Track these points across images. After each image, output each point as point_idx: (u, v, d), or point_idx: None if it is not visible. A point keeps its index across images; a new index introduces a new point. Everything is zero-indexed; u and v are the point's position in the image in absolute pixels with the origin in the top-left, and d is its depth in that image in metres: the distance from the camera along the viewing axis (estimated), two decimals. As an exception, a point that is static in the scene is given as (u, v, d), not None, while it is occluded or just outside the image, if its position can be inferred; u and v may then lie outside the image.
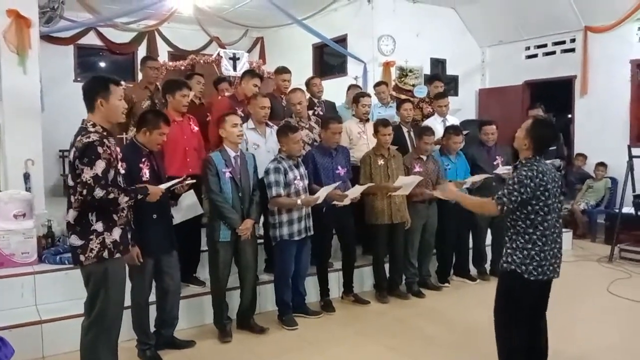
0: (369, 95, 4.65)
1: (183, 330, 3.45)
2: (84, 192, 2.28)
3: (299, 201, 3.44)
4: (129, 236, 2.56)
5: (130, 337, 3.08)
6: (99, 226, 2.37)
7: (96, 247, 2.36)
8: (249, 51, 8.71)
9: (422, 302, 4.18)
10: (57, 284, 3.47)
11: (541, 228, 2.35)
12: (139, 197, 2.55)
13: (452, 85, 7.80)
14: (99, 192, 2.28)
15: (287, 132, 3.53)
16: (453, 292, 4.43)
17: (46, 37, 6.61)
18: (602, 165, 6.61)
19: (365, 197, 4.00)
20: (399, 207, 4.04)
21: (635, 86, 6.54)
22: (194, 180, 3.18)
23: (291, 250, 3.54)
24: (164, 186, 2.84)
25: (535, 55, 7.68)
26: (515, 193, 2.29)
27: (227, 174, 3.28)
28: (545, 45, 7.54)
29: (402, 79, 7.32)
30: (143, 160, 2.90)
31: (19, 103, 4.10)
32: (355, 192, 3.77)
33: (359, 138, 4.39)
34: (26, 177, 4.09)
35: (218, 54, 6.46)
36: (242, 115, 3.79)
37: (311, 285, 3.94)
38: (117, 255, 2.43)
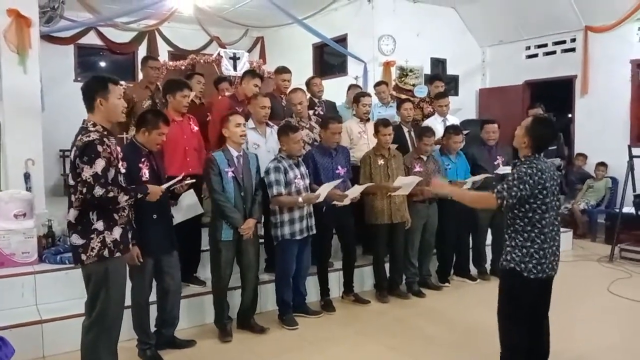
0: (369, 95, 4.65)
1: (183, 330, 3.45)
2: (84, 190, 2.29)
3: (300, 199, 3.44)
4: (130, 235, 2.56)
5: (130, 337, 3.08)
6: (99, 225, 2.38)
7: (97, 245, 2.37)
8: (249, 51, 8.71)
9: (423, 301, 4.18)
10: (58, 283, 3.47)
11: (539, 226, 2.35)
12: (139, 196, 2.55)
13: (452, 85, 7.80)
14: (98, 191, 2.29)
15: (288, 131, 3.53)
16: (453, 292, 4.43)
17: (46, 37, 6.61)
18: (602, 165, 6.61)
19: (365, 197, 4.00)
20: (398, 207, 4.04)
21: (635, 86, 6.54)
22: (194, 180, 3.18)
23: (293, 249, 3.54)
24: (164, 186, 2.84)
25: (535, 55, 7.67)
26: (515, 189, 2.30)
27: (230, 174, 3.29)
28: (545, 45, 7.53)
29: (403, 79, 7.32)
30: (142, 160, 2.90)
31: (20, 103, 4.10)
32: (354, 192, 3.77)
33: (359, 138, 4.39)
34: (26, 176, 4.10)
35: (218, 54, 6.46)
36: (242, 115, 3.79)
37: (311, 285, 3.94)
38: (118, 254, 2.43)
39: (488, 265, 4.82)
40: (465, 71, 8.12)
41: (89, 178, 2.28)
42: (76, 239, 2.39)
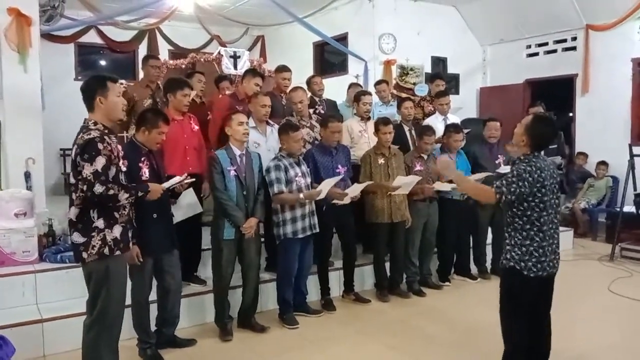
0: (370, 94, 4.64)
1: (184, 329, 3.45)
2: (85, 188, 2.30)
3: (301, 195, 3.44)
4: (130, 234, 2.56)
5: (130, 336, 3.08)
6: (100, 223, 2.38)
7: (97, 243, 2.38)
8: (250, 49, 8.69)
9: (423, 301, 4.18)
10: (58, 282, 3.47)
11: (538, 224, 2.35)
12: (140, 194, 2.55)
13: (453, 83, 7.79)
14: (98, 188, 2.29)
15: (288, 130, 3.53)
16: (454, 291, 4.43)
17: (47, 36, 6.60)
18: (603, 164, 6.60)
19: (365, 195, 3.99)
20: (399, 206, 4.04)
21: (636, 85, 6.52)
22: (193, 179, 3.18)
23: (295, 248, 3.54)
24: (165, 185, 2.84)
25: (536, 54, 7.66)
26: (514, 185, 2.29)
27: (232, 172, 3.29)
28: (546, 44, 7.52)
29: (403, 78, 7.31)
30: (142, 159, 2.90)
31: (20, 101, 4.10)
32: (354, 190, 3.76)
33: (360, 136, 4.39)
34: (27, 175, 4.09)
35: (219, 52, 6.44)
36: (242, 114, 3.79)
37: (312, 284, 3.94)
38: (118, 252, 2.43)
39: (489, 264, 4.82)
40: (465, 70, 8.11)
41: (89, 175, 2.29)
42: (77, 237, 2.39)
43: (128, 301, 2.73)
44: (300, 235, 3.52)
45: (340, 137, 4.12)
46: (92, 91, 2.40)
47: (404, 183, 3.89)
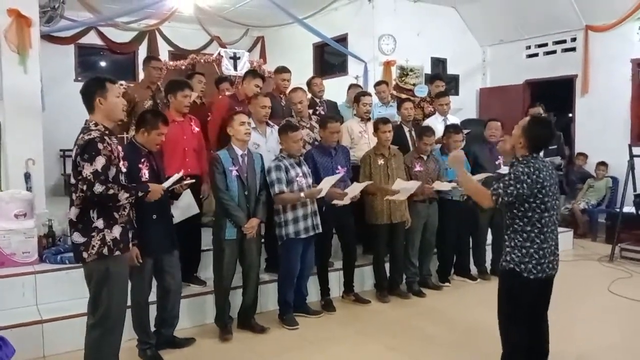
0: (369, 95, 4.65)
1: (185, 330, 3.45)
2: (84, 187, 2.31)
3: (302, 194, 3.44)
4: (130, 235, 2.56)
5: (130, 337, 3.08)
6: (99, 223, 2.39)
7: (97, 243, 2.38)
8: (250, 50, 8.70)
9: (423, 301, 4.18)
10: (58, 283, 3.47)
11: (539, 225, 2.35)
12: (140, 194, 2.55)
13: (452, 84, 7.79)
14: (98, 188, 2.30)
15: (288, 130, 3.54)
16: (454, 292, 4.43)
17: (47, 37, 6.60)
18: (602, 164, 6.61)
19: (365, 196, 4.00)
20: (398, 206, 4.04)
21: (636, 85, 6.53)
22: (193, 180, 3.18)
23: (297, 249, 3.54)
24: (165, 185, 2.84)
25: (536, 55, 7.67)
26: (512, 188, 2.29)
27: (234, 172, 3.30)
28: (546, 45, 7.52)
29: (403, 79, 7.32)
30: (142, 160, 2.91)
31: (20, 102, 4.10)
32: (354, 190, 3.76)
33: (360, 137, 4.39)
34: (27, 176, 4.09)
35: (219, 54, 6.45)
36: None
37: (312, 285, 3.94)
38: (117, 252, 2.44)
39: (488, 265, 4.82)
40: (465, 71, 8.11)
41: (89, 175, 2.30)
42: (77, 237, 2.40)
43: (128, 302, 2.73)
44: (303, 236, 3.52)
45: (340, 138, 4.12)
46: (91, 93, 2.42)
47: (403, 188, 3.87)
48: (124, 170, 2.53)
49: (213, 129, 3.93)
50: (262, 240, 3.82)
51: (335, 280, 4.15)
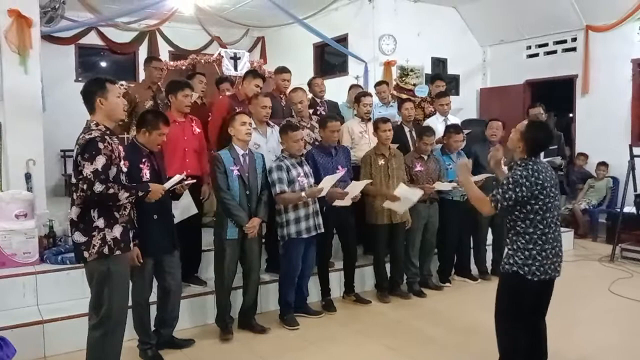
0: (370, 95, 4.64)
1: (185, 330, 3.46)
2: (85, 187, 2.31)
3: (303, 194, 3.45)
4: (131, 235, 2.56)
5: (131, 337, 3.07)
6: (100, 222, 2.40)
7: (97, 243, 2.39)
8: (250, 51, 8.70)
9: (424, 301, 4.18)
10: (59, 284, 3.47)
11: (541, 227, 2.35)
12: (140, 194, 2.55)
13: (453, 84, 7.79)
14: (98, 187, 2.31)
15: (288, 130, 3.54)
16: (454, 292, 4.43)
17: (47, 37, 6.61)
18: (603, 164, 6.60)
19: (366, 197, 3.99)
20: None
21: (636, 85, 6.52)
22: (194, 180, 3.19)
23: (299, 249, 3.54)
24: (166, 185, 2.84)
25: (536, 55, 7.66)
26: (510, 192, 2.30)
27: (235, 172, 3.30)
28: (546, 45, 7.52)
29: (403, 79, 7.31)
30: (143, 160, 2.91)
31: (20, 103, 4.09)
32: (354, 189, 3.76)
33: (360, 137, 4.39)
34: (27, 177, 4.09)
35: (219, 54, 6.45)
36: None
37: (312, 285, 3.94)
38: (118, 252, 2.44)
39: (489, 265, 4.81)
40: (466, 71, 8.11)
41: (89, 174, 2.31)
42: (78, 237, 2.41)
43: (130, 302, 2.73)
44: (305, 236, 3.52)
45: (340, 138, 4.12)
46: (91, 93, 2.43)
47: (404, 196, 3.85)
48: (124, 170, 2.54)
49: (213, 129, 3.93)
50: (263, 240, 3.83)
51: (336, 280, 4.15)
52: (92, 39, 7.96)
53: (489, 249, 4.84)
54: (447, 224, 4.41)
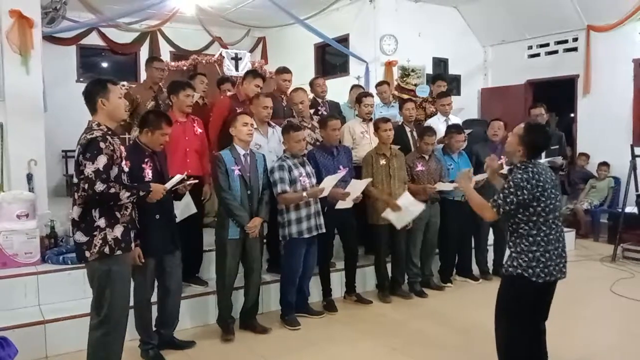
0: (371, 95, 4.64)
1: (186, 330, 3.46)
2: (86, 186, 2.32)
3: (304, 193, 3.44)
4: (132, 235, 2.56)
5: (132, 337, 3.08)
6: (101, 222, 2.40)
7: (98, 242, 2.39)
8: (251, 51, 8.70)
9: (425, 302, 4.17)
10: (60, 284, 3.47)
11: (544, 229, 2.35)
12: (141, 193, 2.56)
13: (454, 84, 7.78)
14: (99, 186, 2.31)
15: (290, 130, 3.55)
16: (456, 292, 4.43)
17: (49, 38, 6.61)
18: (604, 164, 6.59)
19: (367, 197, 3.99)
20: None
21: (638, 85, 6.50)
22: (197, 180, 3.19)
23: (300, 249, 3.54)
24: (167, 185, 2.84)
25: (537, 55, 7.65)
26: (512, 196, 2.31)
27: (237, 172, 3.30)
28: (547, 45, 7.51)
29: (404, 79, 7.31)
30: (146, 160, 2.92)
31: (22, 103, 4.10)
32: (355, 189, 3.75)
33: (362, 138, 4.39)
34: (29, 177, 4.09)
35: (220, 54, 6.45)
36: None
37: (313, 285, 3.94)
38: (119, 252, 2.44)
39: (490, 265, 4.81)
40: (467, 71, 8.10)
41: (90, 174, 2.31)
42: (80, 237, 2.41)
43: (130, 302, 2.73)
44: (306, 235, 3.52)
45: (341, 136, 4.12)
46: (93, 94, 2.44)
47: (406, 207, 3.85)
48: (126, 169, 2.54)
49: (213, 130, 3.93)
50: (264, 240, 3.83)
51: (337, 280, 4.15)
52: (93, 39, 7.97)
53: (490, 249, 4.83)
54: (449, 224, 4.40)
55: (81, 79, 7.78)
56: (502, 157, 4.56)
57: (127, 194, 2.43)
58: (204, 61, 6.42)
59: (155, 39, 8.40)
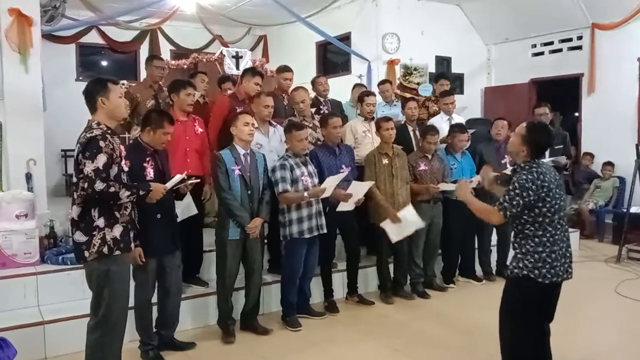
0: (373, 94, 4.61)
1: (187, 331, 3.44)
2: (85, 185, 2.30)
3: (305, 193, 3.42)
4: (131, 235, 2.54)
5: (132, 338, 3.05)
6: (100, 222, 2.38)
7: (97, 242, 2.37)
8: (252, 49, 8.67)
9: (427, 302, 4.14)
10: (60, 284, 3.45)
11: (550, 229, 2.32)
12: (141, 193, 2.53)
13: (457, 83, 7.74)
14: (99, 185, 2.29)
15: (292, 129, 3.52)
16: (458, 293, 4.39)
17: (48, 36, 6.58)
18: (609, 164, 6.55)
19: (370, 199, 3.95)
20: (402, 207, 3.99)
21: (643, 84, 6.46)
22: (198, 180, 3.16)
23: (301, 249, 3.52)
24: (167, 185, 2.81)
25: (541, 53, 7.60)
26: (517, 198, 2.28)
27: (237, 172, 3.27)
28: (551, 43, 7.46)
29: (407, 77, 7.26)
30: (147, 159, 2.90)
31: (21, 102, 4.07)
32: (357, 191, 3.71)
33: (364, 137, 4.36)
34: (28, 177, 4.07)
35: (221, 53, 6.42)
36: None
37: (315, 286, 3.91)
38: (117, 252, 2.42)
39: (493, 266, 4.77)
40: (470, 69, 8.06)
41: (90, 173, 2.29)
42: (79, 236, 2.39)
43: (130, 303, 2.70)
44: (307, 236, 3.49)
45: (342, 135, 4.08)
46: (93, 93, 2.43)
47: (405, 219, 3.82)
48: (125, 169, 2.52)
49: (213, 129, 3.89)
50: (265, 240, 3.79)
51: (339, 281, 4.11)
52: (93, 37, 7.94)
53: (494, 249, 4.79)
54: (451, 224, 4.37)
55: (81, 78, 7.76)
56: (506, 156, 4.54)
57: (127, 193, 2.40)
58: (204, 60, 6.38)
59: (155, 38, 8.38)
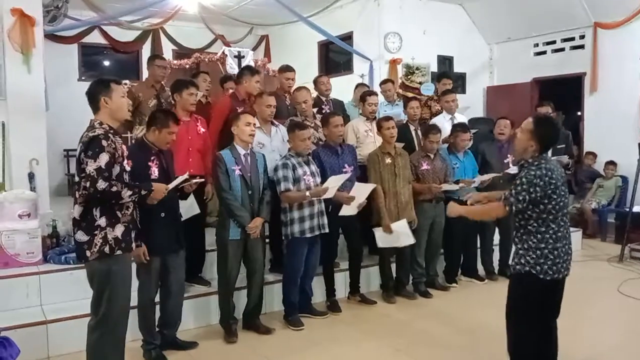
0: (375, 94, 4.60)
1: (189, 330, 3.44)
2: (88, 184, 2.30)
3: (307, 193, 3.41)
4: (133, 235, 2.54)
5: (134, 337, 3.06)
6: (102, 221, 2.39)
7: (99, 242, 2.38)
8: (254, 49, 8.67)
9: (430, 302, 4.13)
10: (62, 284, 3.46)
11: (553, 226, 2.31)
12: (143, 192, 2.53)
13: (459, 82, 7.73)
14: (101, 184, 2.29)
15: (295, 129, 3.52)
16: (461, 292, 4.39)
17: (50, 36, 6.60)
18: (612, 163, 6.52)
19: (371, 198, 3.95)
20: (405, 206, 4.00)
21: (645, 83, 6.44)
22: (202, 179, 3.16)
23: (302, 248, 3.51)
24: (170, 185, 2.81)
25: (543, 52, 7.59)
26: (524, 193, 2.26)
27: (237, 172, 3.27)
28: (554, 42, 7.44)
29: (409, 77, 7.25)
30: (152, 159, 2.90)
31: (24, 102, 4.08)
32: (360, 194, 3.71)
33: (365, 136, 4.35)
34: (31, 176, 4.08)
35: (223, 52, 6.42)
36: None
37: (317, 286, 3.91)
38: (119, 252, 2.42)
39: (496, 265, 4.76)
40: (472, 69, 8.04)
41: (92, 172, 2.29)
42: (81, 236, 2.39)
43: (133, 302, 2.70)
44: (308, 235, 3.49)
45: (344, 135, 4.08)
46: (96, 93, 2.43)
47: (397, 231, 3.84)
48: (127, 169, 2.52)
49: (213, 128, 3.89)
50: (267, 240, 3.79)
51: (341, 280, 4.11)
52: (95, 37, 7.95)
53: (496, 249, 4.78)
54: (454, 224, 4.33)
55: (83, 78, 7.77)
56: (508, 155, 4.53)
57: (129, 192, 2.41)
58: (206, 59, 6.39)
59: (157, 37, 8.38)
